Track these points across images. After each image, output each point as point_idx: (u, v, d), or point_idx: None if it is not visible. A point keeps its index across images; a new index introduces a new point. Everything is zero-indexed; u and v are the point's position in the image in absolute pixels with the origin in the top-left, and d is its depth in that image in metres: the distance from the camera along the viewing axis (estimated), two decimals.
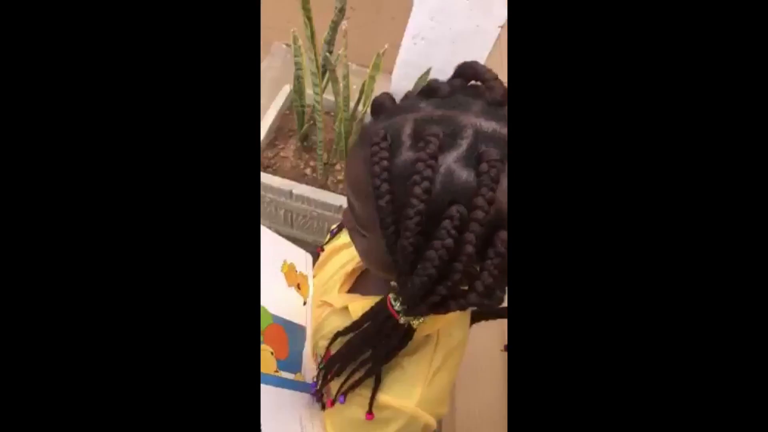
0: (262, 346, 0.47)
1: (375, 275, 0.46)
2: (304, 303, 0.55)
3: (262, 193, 1.24)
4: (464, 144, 0.30)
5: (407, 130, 0.31)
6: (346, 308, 0.47)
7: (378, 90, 0.97)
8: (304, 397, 0.49)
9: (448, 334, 0.44)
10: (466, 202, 0.30)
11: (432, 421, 0.41)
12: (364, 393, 0.42)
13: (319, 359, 0.50)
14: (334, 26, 1.13)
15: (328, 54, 1.10)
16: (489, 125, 0.31)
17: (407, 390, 0.41)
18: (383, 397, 0.41)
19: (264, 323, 0.48)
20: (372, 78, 1.14)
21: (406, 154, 0.31)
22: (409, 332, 0.39)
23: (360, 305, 0.45)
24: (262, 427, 0.40)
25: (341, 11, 1.11)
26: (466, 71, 0.34)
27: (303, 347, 0.52)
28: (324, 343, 0.48)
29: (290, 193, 1.19)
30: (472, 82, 0.34)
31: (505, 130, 0.31)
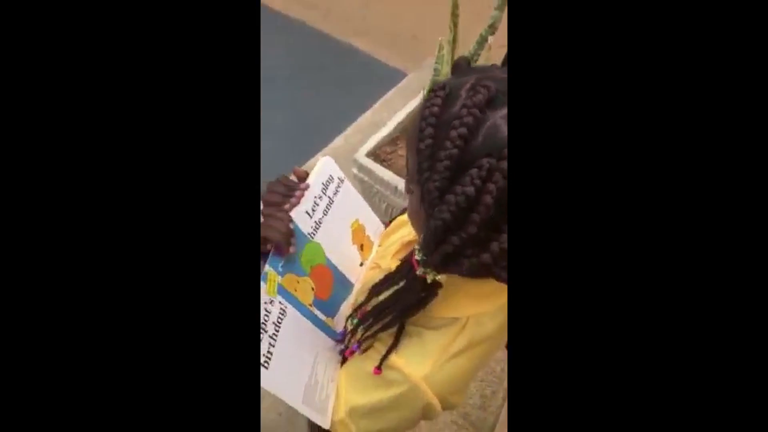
0: (305, 279, 0.49)
1: None
2: (361, 264, 0.57)
3: (371, 183, 1.30)
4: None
5: (467, 85, 0.32)
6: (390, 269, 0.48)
7: None
8: (327, 341, 0.51)
9: (479, 323, 0.42)
10: (497, 156, 0.29)
11: (435, 402, 0.40)
12: (381, 350, 0.42)
13: (352, 312, 0.51)
14: (482, 41, 1.14)
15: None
16: None
17: (419, 360, 0.40)
18: (395, 358, 0.41)
19: (316, 260, 0.51)
20: None
21: (457, 107, 0.32)
22: (427, 288, 0.39)
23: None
24: (277, 346, 0.43)
25: (491, 27, 1.12)
26: None
27: (344, 300, 0.54)
28: (362, 298, 0.49)
29: (395, 188, 1.23)
30: None
31: None
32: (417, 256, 0.38)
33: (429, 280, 0.38)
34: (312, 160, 1.79)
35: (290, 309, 0.46)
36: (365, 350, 0.46)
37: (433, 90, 0.34)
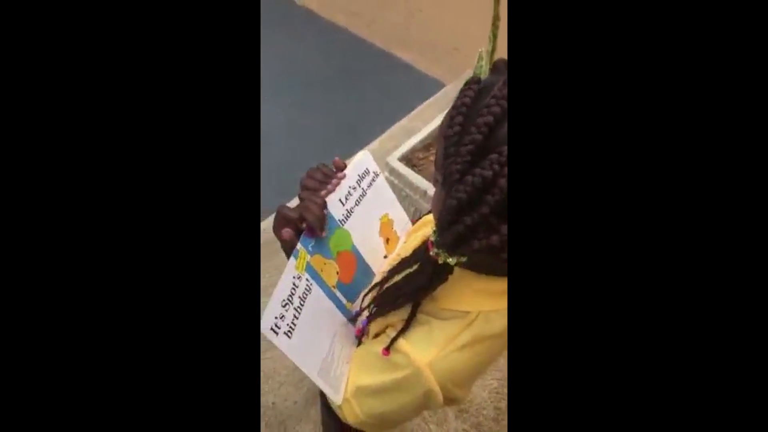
0: (331, 261, 0.51)
1: None
2: (385, 257, 0.59)
3: (401, 186, 1.33)
4: None
5: (500, 82, 0.34)
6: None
7: None
8: (345, 323, 0.53)
9: (487, 320, 0.43)
10: None
11: (436, 390, 0.41)
12: (392, 335, 0.44)
13: (368, 291, 0.54)
14: None
15: None
16: None
17: (424, 346, 0.42)
18: (402, 342, 0.42)
19: (343, 246, 0.53)
20: None
21: (489, 97, 0.33)
22: (439, 270, 0.40)
23: None
24: (300, 318, 0.46)
25: None
26: None
27: (365, 287, 0.56)
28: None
29: (425, 192, 1.25)
30: None
31: None
32: (432, 238, 0.39)
33: (440, 261, 0.39)
34: (348, 160, 1.84)
35: (315, 287, 0.49)
36: (377, 334, 0.48)
37: (468, 83, 0.36)
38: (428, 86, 2.28)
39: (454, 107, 0.35)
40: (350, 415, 0.48)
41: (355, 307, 0.56)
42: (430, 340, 0.43)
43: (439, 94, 2.22)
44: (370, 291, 0.52)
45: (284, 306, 0.44)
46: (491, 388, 1.32)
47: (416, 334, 0.43)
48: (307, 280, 0.48)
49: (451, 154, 0.34)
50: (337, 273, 0.52)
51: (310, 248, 0.48)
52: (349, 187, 0.53)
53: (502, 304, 0.43)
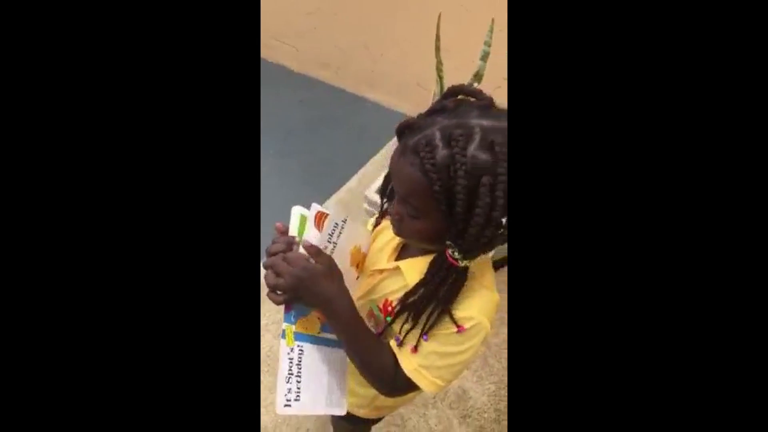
0: (311, 314, 0.59)
1: (414, 247, 0.60)
2: (357, 278, 0.67)
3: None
4: (477, 138, 0.45)
5: (437, 136, 0.46)
6: (397, 269, 0.60)
7: None
8: (336, 351, 0.62)
9: (482, 274, 0.57)
10: (491, 173, 0.44)
11: (489, 332, 0.55)
12: (433, 332, 0.55)
13: (377, 313, 0.63)
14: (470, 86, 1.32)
15: None
16: (488, 122, 0.45)
17: (474, 306, 0.54)
18: (461, 313, 0.53)
19: None
20: None
21: (442, 152, 0.45)
22: (464, 273, 0.52)
23: (408, 263, 0.59)
24: (303, 381, 0.56)
25: (476, 76, 1.30)
26: (456, 91, 0.50)
27: None
28: (379, 297, 0.62)
29: None
30: (461, 96, 0.49)
31: (499, 123, 0.45)
32: (455, 256, 0.50)
33: (465, 265, 0.51)
34: (331, 199, 1.97)
35: (306, 345, 0.59)
36: (414, 345, 0.57)
37: (419, 150, 0.46)
38: (397, 121, 2.45)
39: (425, 171, 0.45)
40: (429, 384, 0.56)
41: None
42: (470, 302, 0.54)
43: None
44: (389, 320, 0.61)
45: (288, 381, 0.56)
46: (490, 392, 1.41)
47: (457, 305, 0.54)
48: (298, 346, 0.58)
49: (443, 200, 0.45)
50: (318, 318, 0.61)
51: (292, 319, 0.58)
52: (323, 247, 0.58)
53: (485, 265, 0.57)
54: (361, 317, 0.58)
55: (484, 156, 0.44)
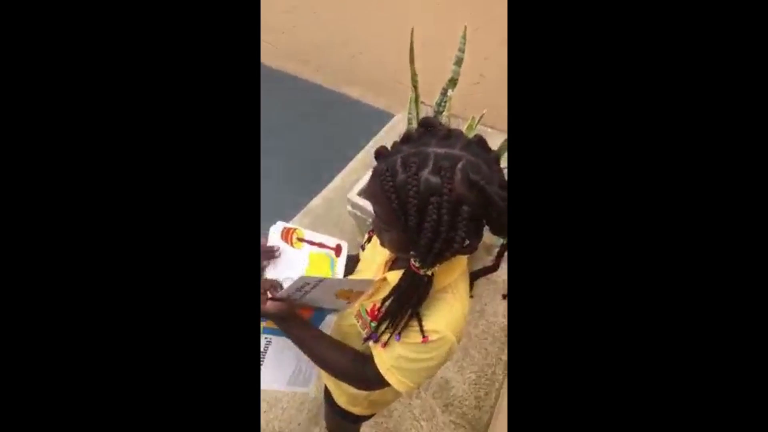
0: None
1: (400, 258, 0.67)
2: (348, 303, 0.71)
3: (364, 217, 1.51)
4: (430, 164, 0.51)
5: (398, 162, 0.53)
6: (385, 279, 0.68)
7: None
8: None
9: (456, 286, 0.63)
10: (439, 194, 0.50)
11: (455, 346, 0.61)
12: (404, 334, 0.61)
13: (364, 315, 0.71)
14: (444, 92, 1.37)
15: (435, 113, 1.35)
16: (442, 150, 0.52)
17: (437, 319, 0.60)
18: (429, 325, 0.60)
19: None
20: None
21: (400, 177, 0.52)
22: (429, 282, 0.59)
23: (395, 275, 0.66)
24: (263, 366, 0.65)
25: (451, 81, 1.35)
26: (426, 123, 0.57)
27: (327, 315, 0.73)
28: (368, 302, 0.69)
29: None
30: (430, 128, 0.56)
31: (451, 151, 0.51)
32: (416, 264, 0.58)
33: (429, 274, 0.58)
34: (314, 201, 2.01)
35: (273, 338, 0.67)
36: (385, 341, 0.64)
37: (381, 172, 0.54)
38: (378, 117, 2.50)
39: (384, 190, 0.52)
40: (398, 383, 0.63)
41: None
42: (437, 317, 0.61)
43: (390, 124, 2.44)
44: (372, 324, 0.68)
45: None
46: (470, 381, 1.49)
47: (427, 317, 0.61)
48: (266, 338, 0.67)
49: (401, 215, 0.52)
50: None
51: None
52: (289, 295, 0.62)
53: (455, 272, 0.63)
54: (310, 332, 0.68)
55: (433, 179, 0.51)
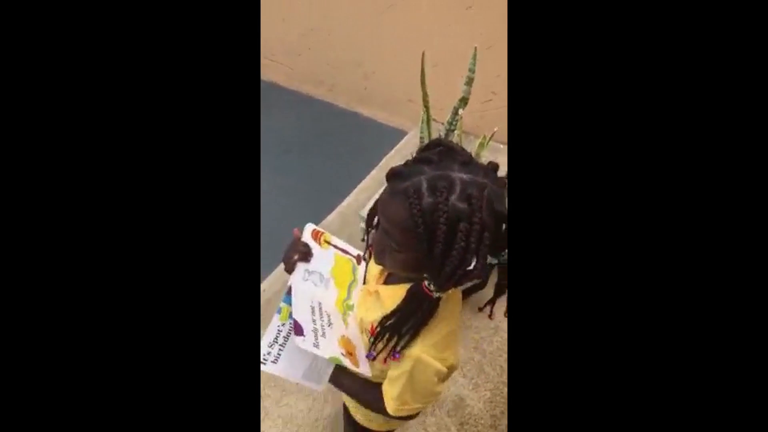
0: None
1: (395, 276, 0.68)
2: (343, 355, 0.74)
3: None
4: (457, 189, 0.52)
5: (424, 185, 0.53)
6: (377, 292, 0.69)
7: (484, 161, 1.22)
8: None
9: (445, 302, 0.63)
10: (467, 221, 0.51)
11: (437, 365, 0.61)
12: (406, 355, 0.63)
13: (360, 334, 0.72)
14: (455, 111, 1.40)
15: (447, 132, 1.38)
16: (467, 176, 0.53)
17: (418, 342, 0.62)
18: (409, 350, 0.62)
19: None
20: (478, 155, 1.37)
21: (428, 200, 0.53)
22: (437, 304, 0.60)
23: (390, 290, 0.67)
24: (284, 352, 0.67)
25: (462, 100, 1.38)
26: (438, 143, 0.57)
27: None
28: (366, 322, 0.70)
29: None
30: (450, 151, 0.56)
31: (475, 178, 0.53)
32: (431, 288, 0.59)
33: (440, 297, 0.59)
34: (328, 218, 2.04)
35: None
36: (384, 358, 0.66)
37: (408, 195, 0.53)
38: (391, 136, 2.54)
39: (412, 215, 0.52)
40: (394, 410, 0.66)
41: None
42: (422, 336, 0.62)
43: (402, 143, 2.47)
44: (371, 339, 0.69)
45: (270, 346, 0.67)
46: (485, 399, 1.47)
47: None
48: (290, 324, 0.68)
49: (425, 240, 0.53)
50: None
51: (291, 301, 0.68)
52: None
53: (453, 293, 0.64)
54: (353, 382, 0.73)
55: (462, 206, 0.52)
